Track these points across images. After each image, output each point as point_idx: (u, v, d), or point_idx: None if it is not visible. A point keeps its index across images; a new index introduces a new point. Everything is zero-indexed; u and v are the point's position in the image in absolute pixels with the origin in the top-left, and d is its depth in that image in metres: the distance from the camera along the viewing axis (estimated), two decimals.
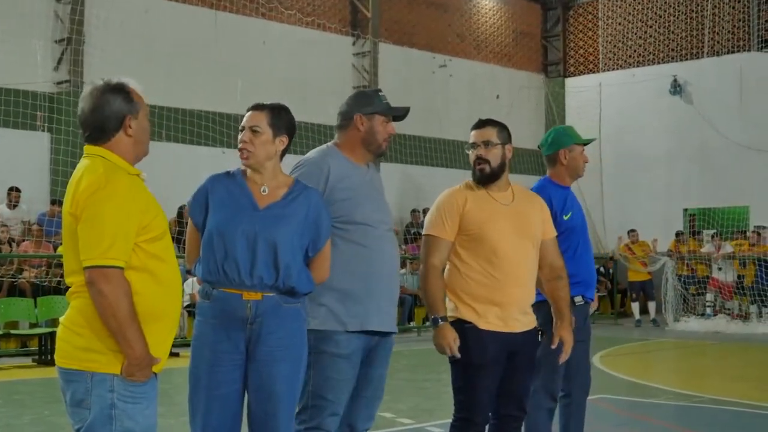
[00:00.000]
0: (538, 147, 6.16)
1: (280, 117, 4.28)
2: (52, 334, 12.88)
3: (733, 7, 22.96)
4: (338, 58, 21.52)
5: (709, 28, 23.17)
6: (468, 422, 4.81)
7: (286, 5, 20.25)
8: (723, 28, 23.06)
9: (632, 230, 20.57)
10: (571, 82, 26.19)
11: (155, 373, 3.63)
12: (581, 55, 26.37)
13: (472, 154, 5.07)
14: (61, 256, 14.73)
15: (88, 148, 3.67)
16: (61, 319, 3.64)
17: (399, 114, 4.78)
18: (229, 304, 4.11)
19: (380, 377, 4.68)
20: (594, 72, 25.71)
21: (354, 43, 21.97)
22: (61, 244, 15.30)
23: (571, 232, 5.67)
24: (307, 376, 4.42)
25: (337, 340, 4.44)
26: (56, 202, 16.09)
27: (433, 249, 4.77)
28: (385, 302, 4.59)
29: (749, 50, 22.71)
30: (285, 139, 4.28)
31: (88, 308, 3.51)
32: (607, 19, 25.11)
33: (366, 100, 4.72)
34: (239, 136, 4.29)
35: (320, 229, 4.27)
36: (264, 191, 4.24)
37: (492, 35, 25.33)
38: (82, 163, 3.63)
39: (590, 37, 26.15)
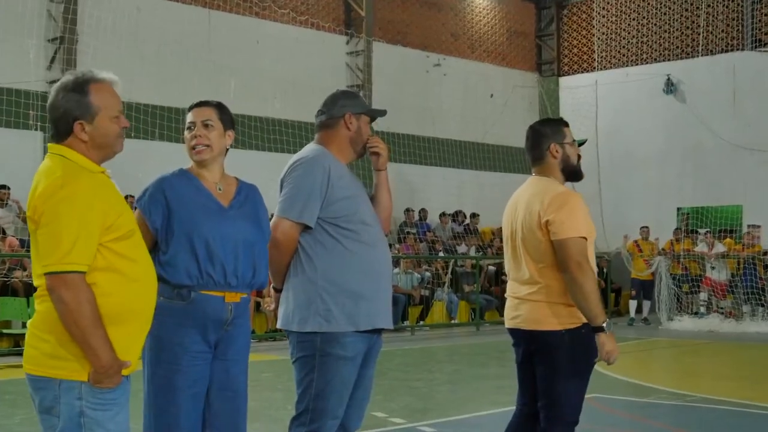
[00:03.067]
0: None
1: (225, 112, 4.31)
2: None
3: (727, 7, 22.98)
4: (332, 57, 21.49)
5: (703, 27, 23.18)
6: (574, 425, 4.82)
7: (280, 4, 20.22)
8: (717, 27, 23.08)
9: (644, 227, 20.44)
10: (565, 81, 26.21)
11: (126, 377, 3.51)
12: (575, 54, 26.38)
13: (576, 149, 4.98)
14: None
15: (50, 146, 3.56)
16: (28, 323, 3.53)
17: (381, 114, 4.81)
18: (210, 306, 4.08)
19: (371, 377, 4.69)
20: (588, 71, 25.72)
21: (348, 42, 21.95)
22: None
23: None
24: (310, 379, 4.42)
25: (344, 343, 4.41)
26: None
27: (585, 252, 4.65)
28: (387, 299, 4.62)
29: (742, 49, 22.73)
30: (232, 134, 4.32)
31: (52, 314, 3.39)
32: (602, 18, 25.12)
33: (355, 99, 4.72)
34: (187, 134, 4.24)
35: (266, 225, 4.35)
36: (220, 189, 4.24)
37: (486, 34, 25.32)
38: (42, 164, 3.52)
39: (584, 36, 26.15)
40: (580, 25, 26.29)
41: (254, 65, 19.58)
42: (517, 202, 4.93)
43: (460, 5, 24.64)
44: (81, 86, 3.49)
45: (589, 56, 25.89)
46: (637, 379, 10.75)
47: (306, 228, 4.47)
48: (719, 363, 14.31)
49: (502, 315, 18.99)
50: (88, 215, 3.35)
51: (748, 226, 20.79)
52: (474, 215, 22.52)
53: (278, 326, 4.65)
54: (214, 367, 4.13)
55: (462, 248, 21.11)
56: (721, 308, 19.52)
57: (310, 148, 4.67)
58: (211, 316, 4.09)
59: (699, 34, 23.32)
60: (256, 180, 4.51)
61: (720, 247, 19.88)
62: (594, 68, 25.39)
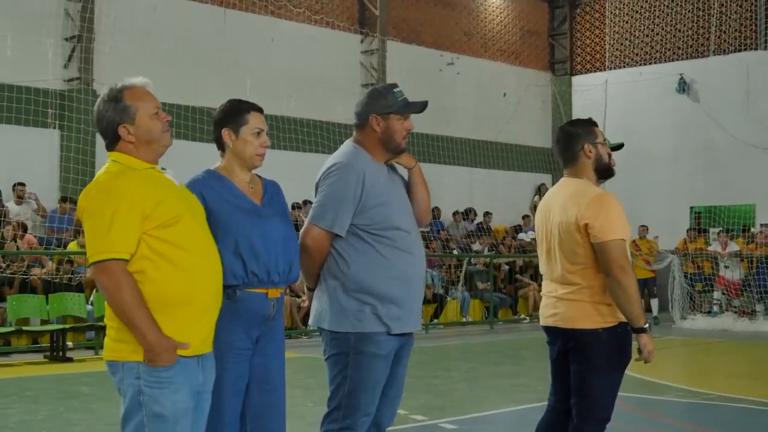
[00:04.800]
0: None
1: None
2: (64, 331, 12.97)
3: (740, 6, 22.99)
4: (346, 56, 21.57)
5: (716, 26, 23.19)
6: (606, 423, 4.90)
7: (295, 3, 20.31)
8: (729, 26, 23.09)
9: (643, 225, 20.46)
10: (577, 80, 26.24)
11: (188, 358, 3.72)
12: (588, 53, 26.41)
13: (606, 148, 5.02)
14: (70, 253, 14.85)
15: (108, 154, 3.86)
16: (105, 319, 3.82)
17: (415, 110, 4.68)
18: (255, 304, 4.20)
19: (403, 376, 4.75)
20: (600, 70, 25.76)
21: (362, 41, 22.02)
22: (69, 240, 15.42)
23: None
24: (343, 376, 4.49)
25: (378, 341, 4.48)
26: (66, 199, 16.17)
27: (626, 253, 4.72)
28: (418, 304, 4.67)
29: (756, 49, 22.74)
30: None
31: None
32: (614, 17, 25.15)
33: (380, 99, 4.63)
34: (253, 139, 4.30)
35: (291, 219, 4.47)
36: (252, 189, 4.35)
37: (499, 33, 25.37)
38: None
39: (597, 35, 26.18)
40: (593, 25, 26.32)
41: (269, 64, 19.68)
42: (552, 204, 4.97)
43: (473, 4, 24.69)
44: (116, 95, 3.80)
45: (602, 55, 25.92)
46: (652, 377, 10.80)
47: (338, 235, 4.52)
48: (734, 362, 14.35)
49: (515, 313, 19.12)
50: (123, 206, 3.61)
51: (761, 225, 20.82)
52: (487, 213, 22.58)
53: (310, 324, 4.73)
54: (253, 362, 4.23)
55: (476, 246, 21.17)
56: (735, 307, 19.55)
57: (345, 149, 4.67)
58: (256, 313, 4.20)
59: (711, 34, 23.33)
60: (270, 178, 4.57)
61: (733, 246, 19.92)
62: (607, 67, 25.42)
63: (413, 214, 4.73)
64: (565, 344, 4.91)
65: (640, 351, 4.74)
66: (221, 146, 4.36)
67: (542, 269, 5.06)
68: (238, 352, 4.16)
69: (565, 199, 4.85)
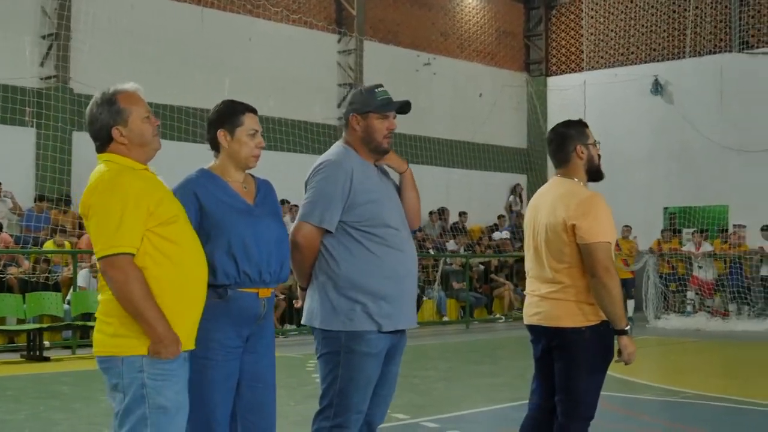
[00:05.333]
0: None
1: None
2: (41, 330, 12.92)
3: (714, 8, 23.19)
4: (324, 56, 21.60)
5: (691, 28, 23.38)
6: (590, 420, 4.96)
7: (272, 2, 20.31)
8: (704, 29, 23.29)
9: (626, 226, 20.55)
10: (553, 81, 26.38)
11: (184, 355, 3.86)
12: (563, 54, 26.56)
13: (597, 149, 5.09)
14: (47, 252, 14.80)
15: (99, 156, 3.97)
16: (95, 313, 3.93)
17: (392, 110, 4.68)
18: (246, 303, 4.24)
19: (395, 375, 4.78)
20: (576, 71, 25.90)
21: (339, 41, 22.06)
22: (46, 239, 15.36)
23: None
24: (334, 375, 4.52)
25: (368, 340, 4.51)
26: (43, 198, 16.11)
27: (611, 256, 4.76)
28: (411, 301, 4.70)
29: (730, 51, 22.95)
30: None
31: (113, 300, 3.78)
32: (590, 19, 25.29)
33: (360, 99, 4.67)
34: (249, 140, 4.33)
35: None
36: (245, 188, 4.39)
37: (475, 34, 25.47)
38: (94, 170, 3.93)
39: (572, 37, 26.33)
40: (568, 26, 26.47)
41: (247, 63, 19.67)
42: (540, 204, 5.03)
43: (449, 5, 24.78)
44: (110, 98, 3.93)
45: (577, 56, 26.08)
46: (630, 377, 10.90)
47: (328, 231, 4.56)
48: (709, 361, 14.50)
49: (490, 313, 19.17)
50: (128, 203, 3.72)
51: (734, 225, 21.03)
52: (462, 213, 22.67)
53: (303, 322, 4.77)
54: (244, 360, 4.26)
55: (451, 245, 21.25)
56: (708, 307, 19.74)
57: (334, 149, 4.72)
58: (247, 312, 4.24)
59: (686, 36, 23.52)
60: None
61: (707, 247, 20.11)
62: (582, 68, 25.57)
63: (404, 213, 4.76)
64: (549, 343, 4.95)
65: (620, 352, 4.81)
66: (215, 146, 4.39)
67: (528, 268, 5.11)
68: (228, 350, 4.20)
69: (554, 199, 4.90)
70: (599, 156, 5.06)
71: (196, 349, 4.07)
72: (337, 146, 4.75)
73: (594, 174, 5.03)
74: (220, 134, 4.34)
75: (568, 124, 5.11)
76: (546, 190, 5.09)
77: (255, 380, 4.29)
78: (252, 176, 4.49)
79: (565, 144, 4.98)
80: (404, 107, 4.74)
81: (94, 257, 13.28)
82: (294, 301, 12.84)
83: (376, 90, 4.69)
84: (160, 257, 3.78)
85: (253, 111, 4.40)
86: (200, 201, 4.21)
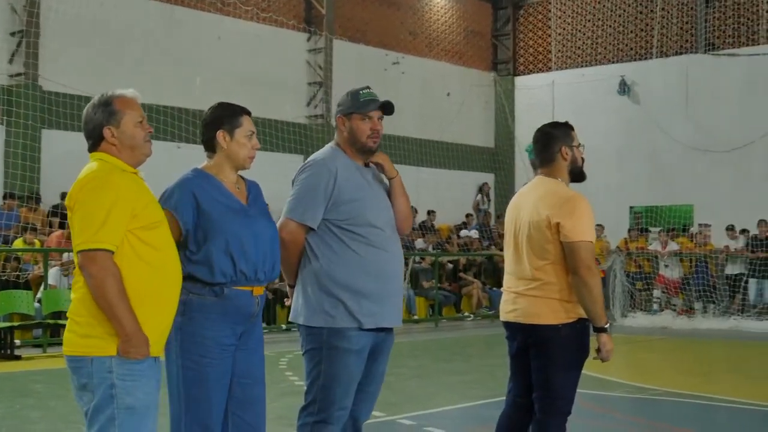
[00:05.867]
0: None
1: None
2: (12, 329, 12.86)
3: (680, 10, 23.44)
4: (293, 55, 21.64)
5: (657, 30, 23.62)
6: (568, 416, 5.07)
7: (242, 0, 20.29)
8: (670, 30, 23.55)
9: (599, 225, 20.70)
10: (520, 81, 26.55)
11: (154, 358, 3.90)
12: (531, 54, 26.73)
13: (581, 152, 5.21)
14: (17, 250, 14.71)
15: (90, 155, 4.02)
16: (67, 312, 3.94)
17: (371, 109, 4.76)
18: (241, 301, 4.30)
19: (382, 373, 4.86)
20: (543, 71, 26.08)
21: (308, 40, 22.08)
22: (15, 237, 15.26)
23: None
24: (318, 371, 4.60)
25: (350, 337, 4.59)
26: (14, 196, 16.01)
27: (593, 255, 4.86)
28: (395, 299, 4.77)
29: (695, 52, 23.20)
30: None
31: (86, 298, 3.81)
32: (558, 19, 25.48)
33: (345, 101, 4.80)
34: (246, 141, 4.40)
35: None
36: (239, 188, 4.45)
37: (443, 33, 25.58)
38: (84, 167, 3.97)
39: (540, 37, 26.51)
40: (535, 26, 26.65)
41: (217, 62, 19.64)
42: (522, 202, 5.12)
43: (418, 4, 24.87)
44: (107, 100, 4.02)
45: (545, 56, 26.26)
46: (601, 374, 11.04)
47: (312, 229, 4.64)
48: (677, 359, 14.66)
49: (459, 311, 19.21)
50: (117, 202, 3.78)
51: (699, 225, 21.28)
52: (431, 212, 22.77)
53: (290, 319, 4.84)
54: (235, 357, 4.32)
55: (420, 244, 21.33)
56: (674, 305, 19.97)
57: (324, 148, 4.85)
58: (242, 310, 4.31)
59: (653, 37, 23.76)
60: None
61: (673, 246, 20.34)
62: (550, 68, 25.75)
63: (392, 213, 4.84)
64: (525, 340, 5.04)
65: (599, 350, 4.91)
66: (211, 147, 4.44)
67: (507, 265, 5.19)
68: (224, 348, 4.26)
69: (538, 198, 4.99)
70: (583, 159, 5.17)
71: (192, 346, 4.13)
72: (326, 147, 4.88)
73: (577, 175, 5.14)
74: (220, 135, 4.39)
75: (554, 125, 5.21)
76: (529, 189, 5.18)
77: (246, 377, 4.35)
78: (242, 177, 4.55)
79: (551, 144, 5.08)
80: (387, 108, 4.82)
81: (65, 255, 13.13)
82: (285, 299, 12.85)
83: (361, 91, 4.80)
84: (136, 260, 3.82)
85: (249, 113, 4.47)
86: (198, 200, 4.27)
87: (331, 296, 4.59)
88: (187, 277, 4.13)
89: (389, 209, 4.82)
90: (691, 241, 20.75)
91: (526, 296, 4.99)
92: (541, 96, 25.30)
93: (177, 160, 17.39)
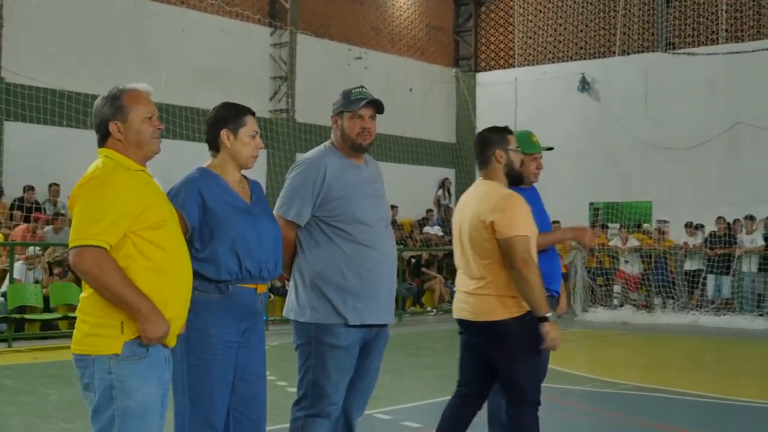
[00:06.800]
0: None
1: None
2: None
3: (641, 9, 23.70)
4: (257, 48, 21.58)
5: (619, 28, 23.86)
6: (538, 405, 5.23)
7: None
8: (632, 29, 23.79)
9: (555, 221, 20.90)
10: (482, 77, 26.68)
11: (158, 352, 3.84)
12: (492, 51, 26.88)
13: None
14: None
15: (98, 151, 3.95)
16: (76, 311, 3.90)
17: (358, 107, 4.86)
18: (245, 298, 4.36)
19: (376, 369, 4.95)
20: (505, 67, 26.24)
21: (272, 34, 22.03)
22: None
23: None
24: (308, 366, 4.68)
25: (337, 333, 4.68)
26: None
27: (529, 249, 5.01)
28: (383, 297, 4.84)
29: (655, 51, 23.47)
30: None
31: (91, 298, 3.77)
32: (519, 16, 25.64)
33: (338, 101, 4.94)
34: (250, 140, 4.46)
35: None
36: (243, 188, 4.50)
37: (406, 29, 25.65)
38: (91, 164, 3.91)
39: (502, 33, 26.67)
40: (497, 23, 26.80)
41: (181, 55, 19.54)
42: (465, 203, 5.34)
43: (381, 0, 24.91)
44: (116, 94, 3.94)
45: (507, 53, 26.42)
46: (568, 368, 11.19)
47: (300, 225, 4.75)
48: (640, 353, 14.88)
49: (421, 306, 19.22)
50: (114, 201, 3.71)
51: (658, 221, 21.57)
52: (393, 207, 22.82)
53: (283, 314, 4.92)
54: (238, 354, 4.37)
55: None
56: (634, 300, 20.22)
57: (317, 147, 4.95)
58: (246, 307, 4.36)
59: (615, 35, 24.00)
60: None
61: (633, 242, 20.60)
62: (513, 65, 25.91)
63: (385, 211, 4.94)
64: (477, 336, 5.25)
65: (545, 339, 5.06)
66: (215, 146, 4.47)
67: (457, 265, 5.39)
68: (228, 345, 4.30)
69: (475, 199, 5.22)
70: (522, 162, 5.46)
71: (198, 343, 4.16)
72: (320, 146, 4.97)
73: (514, 178, 5.38)
74: (224, 134, 4.43)
75: (492, 130, 5.46)
76: (470, 190, 5.41)
77: (247, 372, 4.40)
78: (245, 176, 4.60)
79: (486, 148, 5.32)
80: (377, 106, 4.94)
81: (30, 250, 13.02)
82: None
83: (353, 90, 4.94)
84: (143, 260, 3.76)
85: (253, 113, 4.53)
86: (204, 199, 4.31)
87: (317, 292, 4.69)
88: (193, 275, 4.11)
89: (381, 207, 4.92)
90: (649, 237, 21.02)
91: (475, 295, 5.18)
92: (503, 92, 25.45)
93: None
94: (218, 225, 4.28)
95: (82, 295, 3.82)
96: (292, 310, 4.79)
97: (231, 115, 4.46)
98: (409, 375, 11.19)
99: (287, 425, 4.86)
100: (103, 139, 3.92)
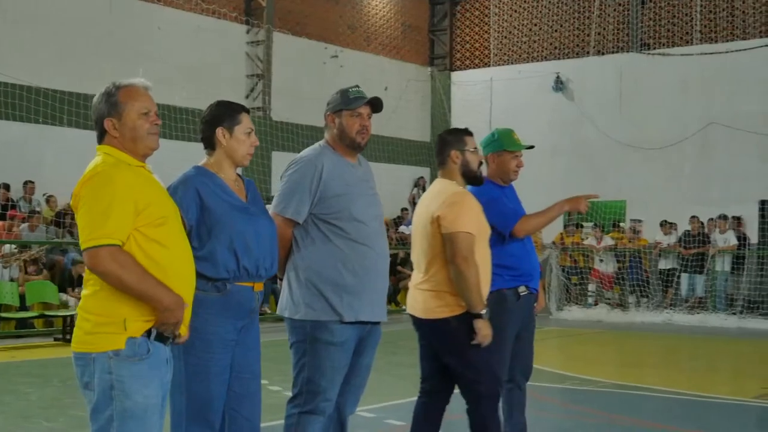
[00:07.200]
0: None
1: None
2: None
3: (616, 9, 23.84)
4: (233, 46, 21.54)
5: (595, 28, 23.98)
6: (497, 398, 5.32)
7: None
8: (606, 29, 23.92)
9: None
10: (457, 76, 26.73)
11: (160, 356, 3.81)
12: (467, 50, 26.95)
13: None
14: None
15: (97, 148, 3.93)
16: (77, 308, 3.86)
17: (359, 105, 4.95)
18: (243, 296, 4.38)
19: (368, 366, 4.99)
20: (480, 67, 26.32)
21: (248, 32, 21.99)
22: None
23: None
24: (302, 363, 4.70)
25: (332, 330, 4.70)
26: None
27: (472, 247, 5.08)
28: (377, 294, 4.88)
29: (629, 51, 23.62)
30: None
31: (94, 296, 3.74)
32: (495, 16, 25.71)
33: (335, 99, 4.99)
34: (246, 138, 4.50)
35: None
36: (238, 186, 4.52)
37: (381, 28, 25.68)
38: (90, 162, 3.89)
39: (477, 33, 26.74)
40: (473, 22, 26.87)
41: (158, 52, 19.43)
42: (422, 201, 5.47)
43: None
44: (112, 91, 3.92)
45: (482, 52, 26.49)
46: (546, 367, 11.26)
47: (298, 223, 4.77)
48: (617, 351, 15.01)
49: (397, 304, 19.28)
50: (116, 196, 3.67)
51: (631, 220, 21.73)
52: None
53: (277, 312, 4.94)
54: (234, 352, 4.38)
55: None
56: (608, 299, 20.37)
57: (312, 146, 4.98)
58: (243, 305, 4.38)
59: (590, 35, 24.13)
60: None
61: (608, 241, 20.75)
62: (488, 64, 25.99)
63: (379, 210, 4.97)
64: (424, 333, 5.34)
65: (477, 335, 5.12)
66: (210, 144, 4.49)
67: (412, 260, 5.48)
68: (225, 343, 4.32)
69: (429, 196, 5.34)
70: (480, 162, 5.53)
71: (196, 342, 4.16)
72: (315, 145, 5.00)
73: (471, 179, 5.46)
74: (219, 132, 4.46)
75: (450, 131, 5.60)
76: (428, 189, 5.51)
77: (243, 371, 4.41)
78: (239, 175, 4.61)
79: (443, 148, 5.44)
80: (376, 105, 5.02)
81: (6, 248, 12.95)
82: None
83: (350, 89, 5.00)
84: (144, 258, 3.72)
85: (248, 111, 4.57)
86: (201, 197, 4.33)
87: (312, 289, 4.71)
88: None
89: (375, 205, 4.97)
90: (623, 234, 21.18)
91: (421, 291, 5.28)
92: (478, 91, 25.52)
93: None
94: (216, 223, 4.30)
95: (85, 292, 3.79)
96: (287, 308, 4.81)
97: (226, 113, 4.49)
98: (389, 373, 11.23)
99: (271, 423, 4.88)
100: (101, 136, 3.90)
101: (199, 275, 4.17)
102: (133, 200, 3.70)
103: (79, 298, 13.86)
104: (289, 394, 4.84)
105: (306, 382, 4.73)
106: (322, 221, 4.77)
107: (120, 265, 3.62)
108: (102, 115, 3.87)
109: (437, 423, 5.46)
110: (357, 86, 4.99)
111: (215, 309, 4.28)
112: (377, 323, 4.91)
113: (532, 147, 6.32)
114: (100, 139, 3.91)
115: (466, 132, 5.49)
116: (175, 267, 3.83)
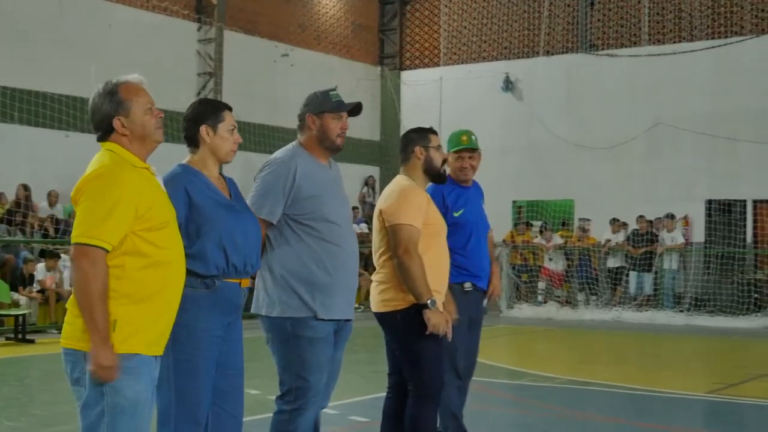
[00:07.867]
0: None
1: None
2: None
3: (565, 10, 24.09)
4: (184, 44, 21.42)
5: (544, 29, 24.20)
6: (437, 400, 5.39)
7: None
8: (555, 30, 24.17)
9: None
10: (407, 76, 26.82)
11: (152, 356, 3.85)
12: (417, 49, 27.07)
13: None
14: None
15: (102, 144, 3.93)
16: (67, 303, 3.86)
17: (346, 109, 5.07)
18: (231, 293, 4.42)
19: (339, 361, 5.09)
20: (430, 66, 26.45)
21: (199, 29, 21.89)
22: None
23: (461, 227, 6.21)
24: (288, 360, 4.77)
25: (312, 325, 4.79)
26: None
27: (414, 239, 5.16)
28: (348, 293, 4.99)
29: (578, 52, 23.88)
30: None
31: None
32: (445, 16, 25.85)
33: (315, 100, 5.05)
34: (228, 135, 4.54)
35: None
36: (221, 184, 4.58)
37: (332, 27, 25.71)
38: (94, 157, 3.89)
39: (427, 32, 26.87)
40: (423, 21, 27.00)
41: (109, 50, 19.23)
42: (380, 198, 5.55)
43: None
44: (112, 89, 3.92)
45: (432, 52, 26.62)
46: (501, 363, 11.40)
47: (271, 223, 4.85)
48: (570, 348, 15.21)
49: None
50: (121, 199, 3.70)
51: (580, 219, 22.00)
52: None
53: (251, 311, 4.99)
54: (220, 349, 4.42)
55: None
56: (558, 297, 20.62)
57: (285, 147, 5.06)
58: (231, 301, 4.42)
59: (539, 36, 24.35)
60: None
61: (557, 239, 21.00)
62: (438, 64, 26.12)
63: (349, 210, 5.12)
64: (380, 326, 5.45)
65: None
66: (194, 142, 4.53)
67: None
68: (213, 339, 4.36)
69: (384, 193, 5.46)
70: (444, 160, 5.65)
71: (185, 338, 4.19)
72: (289, 145, 5.09)
73: (435, 177, 5.57)
74: (203, 130, 4.51)
75: (415, 129, 5.69)
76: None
77: (227, 367, 4.45)
78: (221, 174, 4.66)
79: (407, 145, 5.55)
80: (356, 109, 5.11)
81: None
82: None
83: (331, 92, 5.07)
84: (140, 259, 3.76)
85: (230, 109, 4.62)
86: (190, 195, 4.36)
87: (287, 287, 4.80)
88: None
89: (346, 207, 5.11)
90: (571, 233, 21.45)
91: (374, 285, 5.40)
92: (427, 91, 25.62)
93: (66, 149, 17.14)
94: (205, 221, 4.34)
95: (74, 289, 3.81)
96: (263, 306, 4.88)
97: (209, 111, 4.56)
98: (350, 371, 11.12)
99: (251, 417, 4.90)
100: (105, 135, 3.91)
101: (189, 272, 4.20)
102: (134, 205, 3.73)
103: (30, 298, 13.75)
104: (265, 390, 4.89)
105: (295, 379, 4.79)
106: (295, 222, 4.86)
107: (95, 270, 3.65)
108: (108, 114, 3.88)
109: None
110: (335, 88, 5.09)
111: (204, 305, 4.32)
112: (348, 320, 4.99)
113: (473, 149, 6.41)
114: (104, 138, 3.91)
115: (431, 131, 5.60)
116: (170, 268, 3.88)
